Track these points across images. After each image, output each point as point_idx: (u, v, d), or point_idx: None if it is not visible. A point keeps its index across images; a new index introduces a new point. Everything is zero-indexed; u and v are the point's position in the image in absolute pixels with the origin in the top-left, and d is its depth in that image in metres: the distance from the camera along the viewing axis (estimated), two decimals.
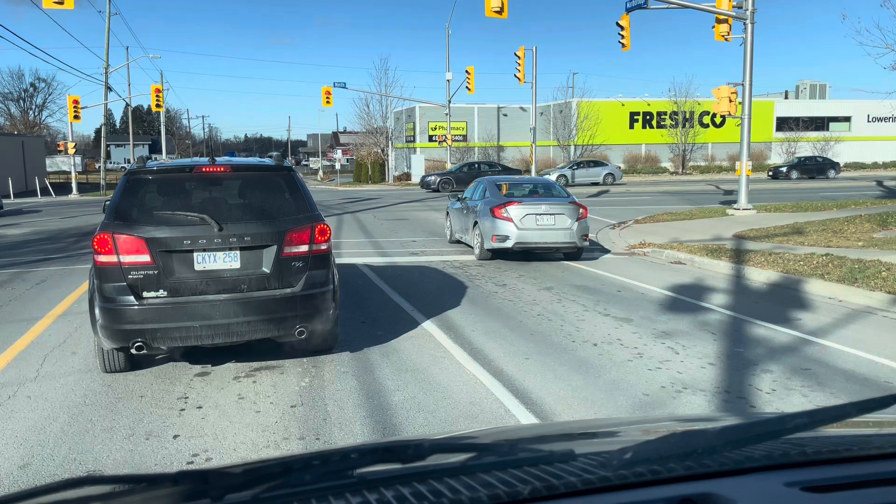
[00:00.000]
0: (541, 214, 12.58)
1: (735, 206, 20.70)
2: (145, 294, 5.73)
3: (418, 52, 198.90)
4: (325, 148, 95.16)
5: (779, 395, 5.60)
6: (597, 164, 43.96)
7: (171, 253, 5.80)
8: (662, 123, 53.72)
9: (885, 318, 8.29)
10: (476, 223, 13.35)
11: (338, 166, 57.44)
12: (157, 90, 42.88)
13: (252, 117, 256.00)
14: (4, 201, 31.36)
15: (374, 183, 49.16)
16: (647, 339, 7.37)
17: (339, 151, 73.82)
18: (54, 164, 69.83)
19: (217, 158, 6.66)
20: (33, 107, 74.15)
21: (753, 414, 5.08)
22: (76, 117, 38.79)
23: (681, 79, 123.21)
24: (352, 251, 14.68)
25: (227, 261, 5.93)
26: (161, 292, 5.76)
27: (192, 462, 4.48)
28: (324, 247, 6.23)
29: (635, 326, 7.95)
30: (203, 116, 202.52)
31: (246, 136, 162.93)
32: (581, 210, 12.81)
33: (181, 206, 6.04)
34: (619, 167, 45.89)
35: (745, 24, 20.34)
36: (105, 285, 5.72)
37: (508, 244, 12.54)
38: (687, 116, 51.06)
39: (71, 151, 39.96)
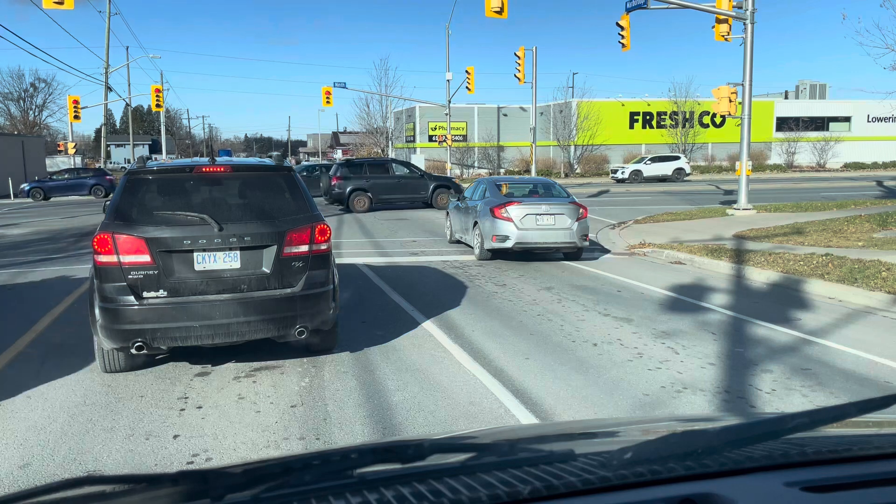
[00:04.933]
0: (541, 214, 12.59)
1: (735, 206, 20.71)
2: (145, 294, 5.73)
3: (418, 52, 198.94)
4: (325, 148, 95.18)
5: (779, 395, 5.60)
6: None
7: (171, 253, 5.80)
8: (662, 123, 53.72)
9: (885, 318, 8.29)
10: (476, 223, 13.35)
11: None
12: (157, 90, 42.90)
13: (252, 117, 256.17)
14: (5, 201, 31.44)
15: None
16: (647, 339, 7.37)
17: (340, 151, 73.90)
18: (54, 164, 69.59)
19: (217, 159, 6.66)
20: (33, 107, 74.06)
21: (753, 414, 5.08)
22: (76, 117, 38.83)
23: (681, 79, 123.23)
24: (352, 251, 14.68)
25: (227, 261, 5.93)
26: (161, 292, 5.76)
27: (192, 462, 4.48)
28: (324, 247, 6.23)
29: (635, 326, 7.95)
30: (203, 116, 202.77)
31: (246, 135, 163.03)
32: (581, 210, 12.82)
33: (181, 206, 6.04)
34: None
35: (745, 24, 20.34)
36: (105, 285, 5.72)
37: (508, 244, 12.55)
38: (687, 116, 51.08)
39: (71, 151, 40.00)
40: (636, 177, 43.23)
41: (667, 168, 44.48)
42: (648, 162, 44.57)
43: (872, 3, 45.17)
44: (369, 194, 24.71)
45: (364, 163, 27.17)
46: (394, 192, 25.63)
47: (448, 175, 31.98)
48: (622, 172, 43.71)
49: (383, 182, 25.56)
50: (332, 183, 25.10)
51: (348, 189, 24.72)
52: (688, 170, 45.35)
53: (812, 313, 8.59)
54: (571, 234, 12.58)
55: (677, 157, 45.66)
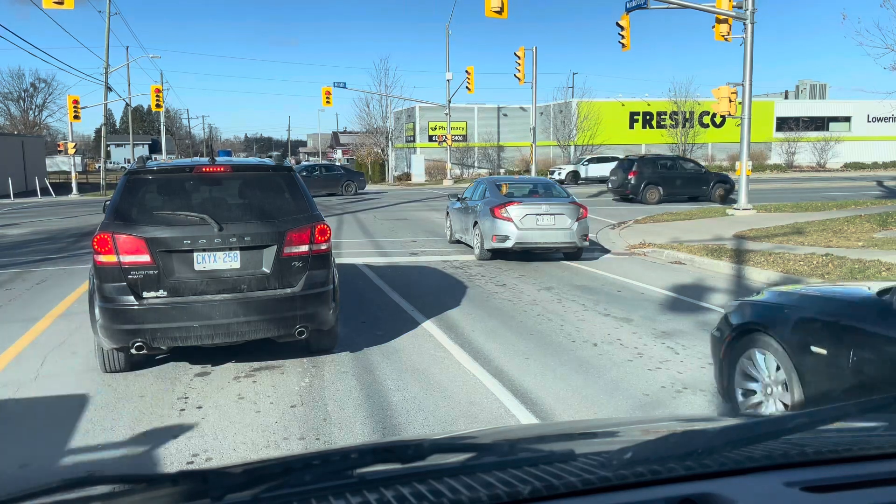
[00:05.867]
0: (541, 214, 12.59)
1: (735, 205, 20.71)
2: (145, 294, 5.73)
3: (418, 52, 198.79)
4: (325, 148, 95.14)
5: None
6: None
7: (171, 253, 5.80)
8: (662, 123, 53.68)
9: None
10: (476, 223, 13.35)
11: None
12: (157, 90, 42.86)
13: (252, 117, 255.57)
14: (5, 201, 31.28)
15: (375, 183, 49.17)
16: (647, 339, 7.37)
17: (340, 151, 73.82)
18: (54, 164, 69.82)
19: (217, 159, 6.66)
20: (33, 107, 74.09)
21: (753, 414, 5.08)
22: (76, 117, 38.78)
23: (681, 79, 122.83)
24: (352, 251, 14.68)
25: (227, 261, 5.93)
26: (161, 292, 5.76)
27: (192, 462, 4.48)
28: (324, 247, 6.23)
29: (635, 326, 7.95)
30: (203, 116, 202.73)
31: (246, 135, 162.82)
32: (581, 210, 12.82)
33: (181, 206, 6.04)
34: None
35: (745, 24, 20.34)
36: (105, 285, 5.72)
37: (508, 244, 12.55)
38: (687, 116, 51.03)
39: (71, 151, 39.95)
40: (574, 178, 42.62)
41: (605, 169, 43.98)
42: (587, 163, 44.17)
43: (872, 3, 45.11)
44: (660, 188, 26.49)
45: (656, 159, 29.12)
46: (680, 187, 27.25)
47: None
48: (559, 173, 43.16)
49: (672, 176, 27.47)
50: (629, 177, 26.97)
51: (643, 183, 26.56)
52: None
53: None
54: (571, 234, 12.58)
55: (617, 159, 45.46)
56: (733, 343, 4.80)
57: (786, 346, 4.28)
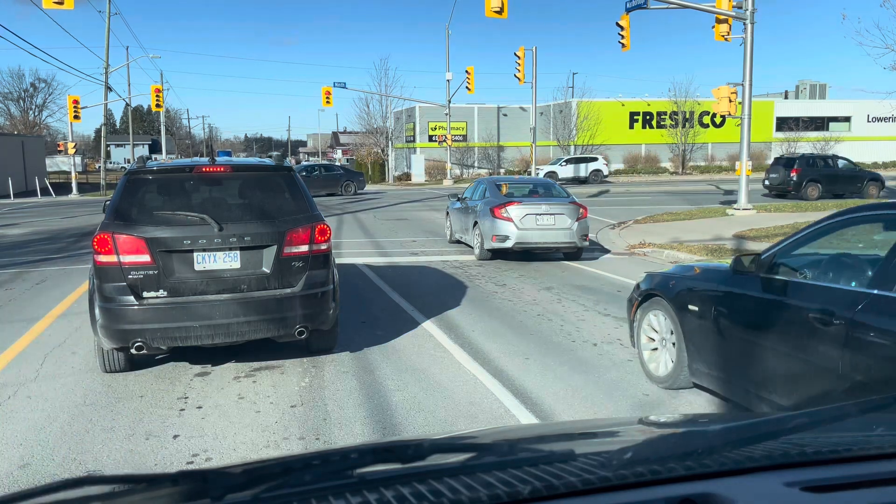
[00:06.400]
0: (541, 214, 12.59)
1: (735, 206, 20.72)
2: (145, 294, 5.73)
3: (418, 52, 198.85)
4: (325, 148, 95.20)
5: None
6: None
7: (171, 253, 5.80)
8: (662, 123, 53.70)
9: None
10: (476, 223, 13.35)
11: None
12: (157, 90, 42.86)
13: (252, 117, 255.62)
14: (5, 201, 31.29)
15: (375, 183, 49.17)
16: None
17: (340, 151, 73.84)
18: (54, 164, 69.83)
19: (217, 159, 6.66)
20: (33, 107, 74.14)
21: (753, 414, 5.08)
22: (76, 117, 38.77)
23: (681, 79, 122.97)
24: (352, 251, 14.68)
25: (227, 261, 5.93)
26: (161, 292, 5.76)
27: (192, 462, 4.48)
28: (324, 247, 6.23)
29: None
30: (203, 116, 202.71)
31: (246, 136, 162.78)
32: (581, 210, 12.82)
33: (181, 206, 6.04)
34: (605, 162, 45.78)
35: (745, 24, 20.35)
36: (105, 285, 5.72)
37: (508, 244, 12.55)
38: (687, 116, 51.06)
39: (71, 151, 39.95)
40: (550, 179, 42.68)
41: (583, 170, 43.89)
42: (564, 164, 44.00)
43: (872, 3, 45.12)
44: (819, 185, 28.04)
45: (814, 157, 30.59)
46: (836, 184, 28.64)
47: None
48: (536, 174, 43.25)
49: (830, 174, 29.07)
50: (791, 174, 28.45)
51: (805, 180, 28.15)
52: (605, 171, 44.66)
53: None
54: (571, 234, 12.58)
55: (595, 159, 44.97)
56: (640, 305, 6.02)
57: (672, 306, 5.49)
